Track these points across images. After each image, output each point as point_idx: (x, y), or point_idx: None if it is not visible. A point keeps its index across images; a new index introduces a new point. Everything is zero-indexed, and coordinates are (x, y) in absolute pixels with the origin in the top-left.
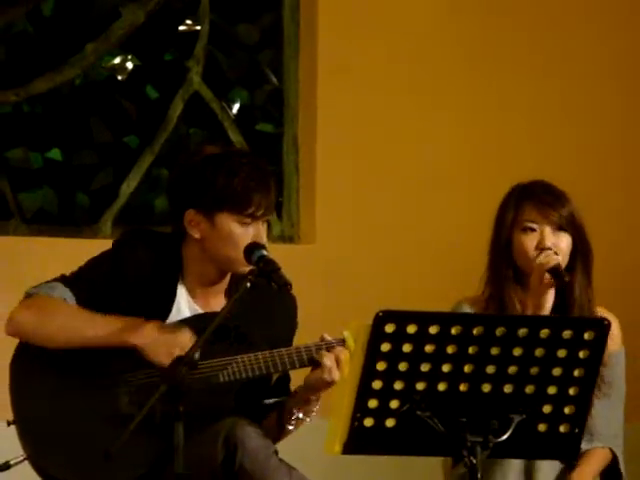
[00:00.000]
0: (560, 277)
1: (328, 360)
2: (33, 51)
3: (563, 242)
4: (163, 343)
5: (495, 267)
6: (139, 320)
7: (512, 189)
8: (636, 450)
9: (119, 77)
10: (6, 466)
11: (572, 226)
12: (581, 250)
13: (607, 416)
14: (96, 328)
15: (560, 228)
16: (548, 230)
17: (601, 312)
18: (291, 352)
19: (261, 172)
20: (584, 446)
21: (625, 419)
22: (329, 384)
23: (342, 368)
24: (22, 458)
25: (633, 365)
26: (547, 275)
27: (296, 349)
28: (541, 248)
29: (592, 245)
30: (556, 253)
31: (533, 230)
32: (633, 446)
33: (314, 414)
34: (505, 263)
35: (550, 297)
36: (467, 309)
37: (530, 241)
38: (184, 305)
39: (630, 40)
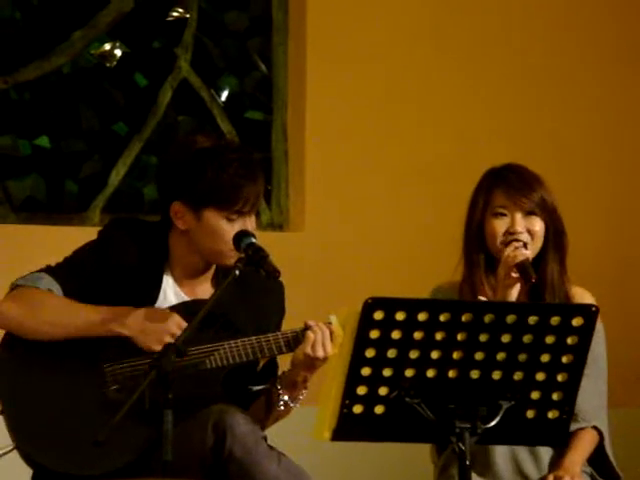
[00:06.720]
0: (527, 274)
1: (312, 334)
2: (21, 38)
3: (537, 226)
4: (153, 331)
5: (467, 251)
6: (127, 308)
7: (485, 173)
8: (623, 434)
9: (107, 64)
10: None
11: (544, 210)
12: (554, 232)
13: (588, 391)
14: (83, 319)
15: (531, 213)
16: (519, 215)
17: (577, 291)
18: (277, 336)
19: (250, 168)
20: (571, 427)
21: (614, 404)
22: (313, 360)
23: (326, 344)
24: (10, 447)
25: (622, 350)
26: (514, 271)
27: (282, 333)
28: (511, 232)
29: (583, 233)
30: (526, 245)
31: (504, 215)
32: (621, 430)
33: (301, 399)
34: (476, 248)
35: (515, 292)
36: (445, 293)
37: (501, 226)
38: (170, 293)
39: (613, 30)
